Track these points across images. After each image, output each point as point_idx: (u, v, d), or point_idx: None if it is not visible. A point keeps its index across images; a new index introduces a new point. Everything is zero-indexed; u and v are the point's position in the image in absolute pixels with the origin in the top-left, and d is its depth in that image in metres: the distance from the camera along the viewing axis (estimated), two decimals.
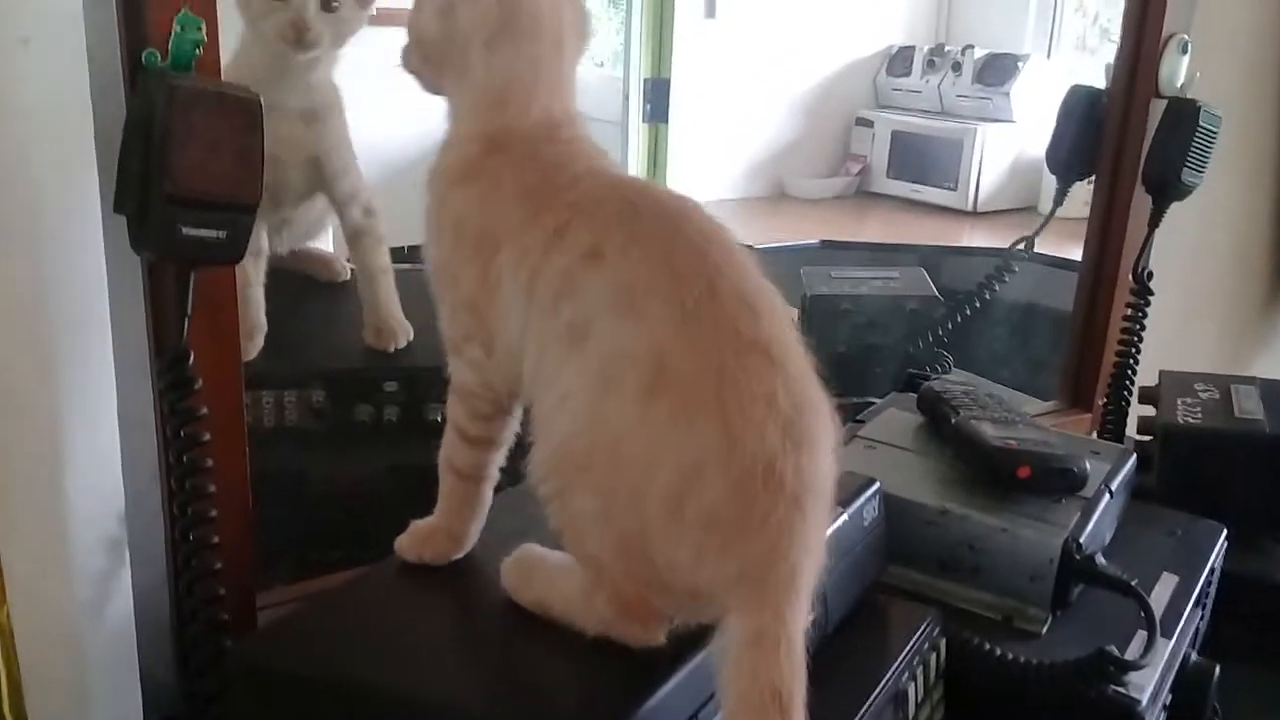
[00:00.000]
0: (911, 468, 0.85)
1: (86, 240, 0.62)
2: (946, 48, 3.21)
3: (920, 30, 3.38)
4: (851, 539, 0.70)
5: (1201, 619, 0.89)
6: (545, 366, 0.56)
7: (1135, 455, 0.90)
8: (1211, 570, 0.88)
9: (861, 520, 0.72)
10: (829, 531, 0.59)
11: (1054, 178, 1.25)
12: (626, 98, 3.00)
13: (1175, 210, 1.21)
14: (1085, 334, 1.25)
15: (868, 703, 0.63)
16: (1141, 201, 1.20)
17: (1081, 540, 0.76)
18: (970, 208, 2.98)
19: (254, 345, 0.91)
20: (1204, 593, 0.87)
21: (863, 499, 0.72)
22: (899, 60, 3.34)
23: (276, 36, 0.90)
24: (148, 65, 0.62)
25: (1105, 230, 1.23)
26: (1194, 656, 0.83)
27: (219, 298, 0.68)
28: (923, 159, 3.19)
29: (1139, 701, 0.70)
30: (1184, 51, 1.17)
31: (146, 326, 0.67)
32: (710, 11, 3.06)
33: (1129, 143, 1.20)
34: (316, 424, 0.96)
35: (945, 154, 3.08)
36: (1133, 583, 0.75)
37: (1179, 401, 1.06)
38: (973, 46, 3.09)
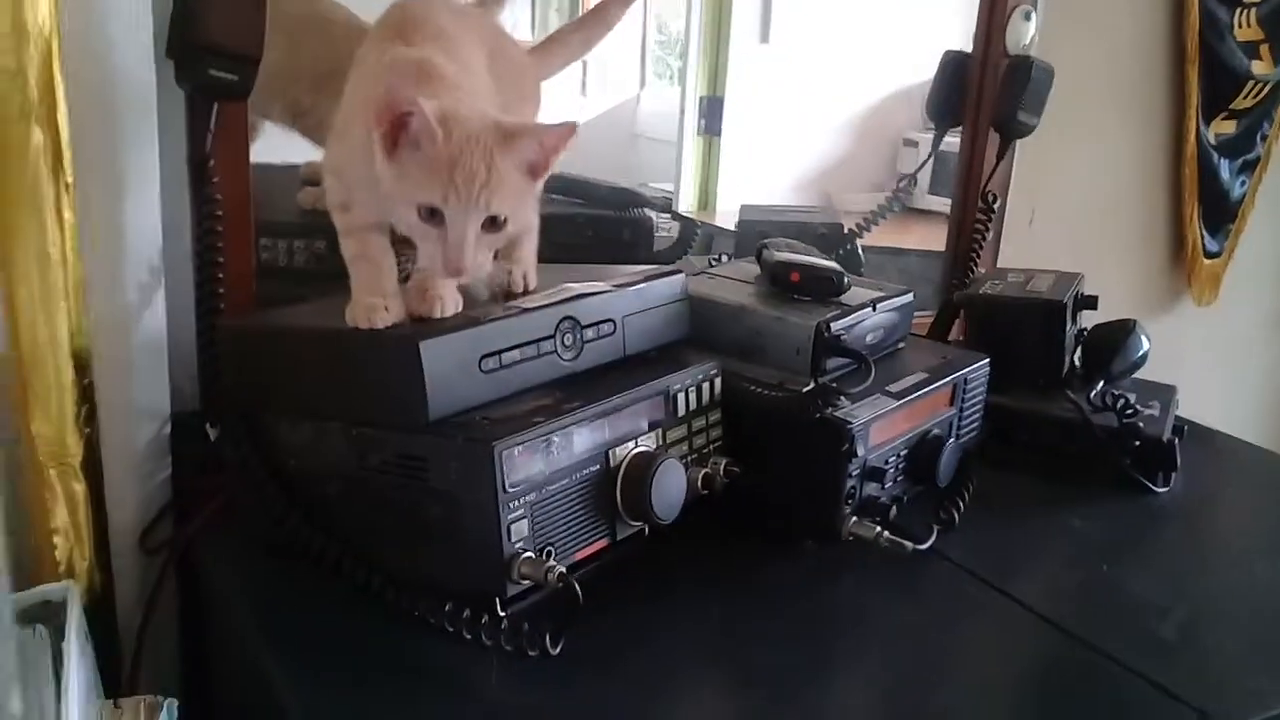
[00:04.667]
0: (735, 290, 1.15)
1: (143, 71, 0.97)
2: None
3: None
4: (653, 299, 1.01)
5: (961, 420, 1.16)
6: None
7: (912, 293, 1.18)
8: (965, 380, 1.16)
9: (665, 290, 1.02)
10: (639, 286, 0.92)
11: None
12: (683, 112, 3.35)
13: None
14: (956, 245, 1.54)
15: (636, 387, 0.93)
16: (995, 140, 1.49)
17: (832, 327, 1.06)
18: None
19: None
20: (959, 395, 1.15)
21: (668, 278, 1.03)
22: None
23: None
24: None
25: (969, 164, 1.52)
26: (935, 432, 1.11)
27: (233, 122, 1.03)
28: None
29: (850, 424, 0.99)
30: (1027, 18, 1.46)
31: (187, 138, 1.02)
32: (764, 37, 3.38)
33: (985, 94, 1.49)
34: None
35: None
36: (865, 355, 1.05)
37: (989, 283, 1.34)
38: None
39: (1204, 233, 1.93)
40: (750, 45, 3.49)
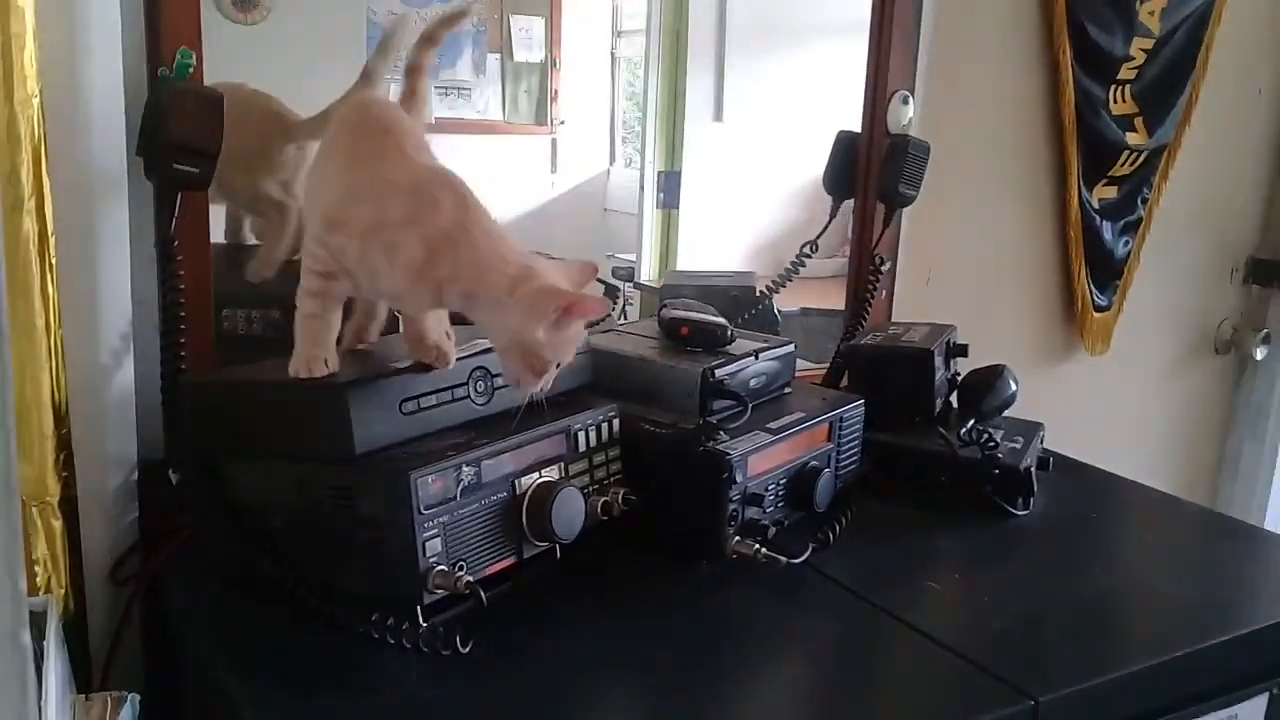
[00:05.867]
0: (638, 344, 1.32)
1: (117, 168, 1.14)
2: None
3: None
4: None
5: (840, 455, 1.32)
6: None
7: (793, 345, 1.35)
8: (841, 419, 1.32)
9: None
10: None
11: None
12: (642, 188, 3.54)
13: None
14: (853, 304, 1.72)
15: (538, 427, 1.09)
16: (881, 209, 1.68)
17: (717, 372, 1.22)
18: None
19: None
20: (836, 431, 1.31)
21: None
22: None
23: None
24: (161, 77, 1.16)
25: (860, 231, 1.71)
26: (813, 464, 1.27)
27: (194, 209, 1.19)
28: None
29: (728, 455, 1.15)
30: (905, 102, 1.66)
31: (155, 224, 1.18)
32: (718, 115, 3.60)
33: (871, 169, 1.68)
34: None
35: None
36: (744, 397, 1.21)
37: (871, 335, 1.51)
38: None
39: (1092, 289, 2.11)
40: (705, 123, 3.69)
